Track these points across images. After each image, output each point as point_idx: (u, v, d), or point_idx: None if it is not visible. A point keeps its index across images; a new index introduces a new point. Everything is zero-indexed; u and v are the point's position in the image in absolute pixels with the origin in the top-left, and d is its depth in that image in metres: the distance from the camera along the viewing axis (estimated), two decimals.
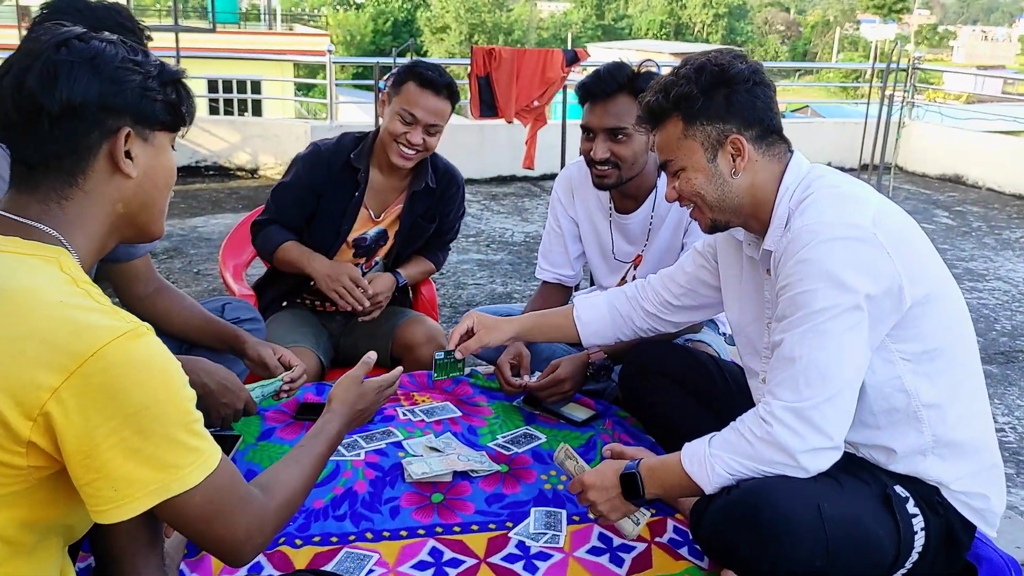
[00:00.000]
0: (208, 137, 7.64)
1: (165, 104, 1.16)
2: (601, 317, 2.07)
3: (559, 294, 2.62)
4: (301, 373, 2.08)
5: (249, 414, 1.99)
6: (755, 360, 1.79)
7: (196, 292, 4.55)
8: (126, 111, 1.12)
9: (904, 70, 8.19)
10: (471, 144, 7.91)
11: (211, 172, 7.70)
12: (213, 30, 6.26)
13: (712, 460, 1.51)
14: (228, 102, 15.22)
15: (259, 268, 2.89)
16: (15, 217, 1.09)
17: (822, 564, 1.42)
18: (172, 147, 1.23)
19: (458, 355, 2.09)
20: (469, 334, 2.08)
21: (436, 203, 2.65)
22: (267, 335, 2.52)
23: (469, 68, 6.29)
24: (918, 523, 1.52)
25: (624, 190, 2.37)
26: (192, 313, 2.09)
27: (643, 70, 2.28)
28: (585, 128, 2.30)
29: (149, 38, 1.89)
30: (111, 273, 2.09)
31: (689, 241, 2.36)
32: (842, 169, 1.79)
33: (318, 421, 1.46)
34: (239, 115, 14.50)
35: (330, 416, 1.47)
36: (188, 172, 7.62)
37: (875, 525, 1.47)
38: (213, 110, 14.48)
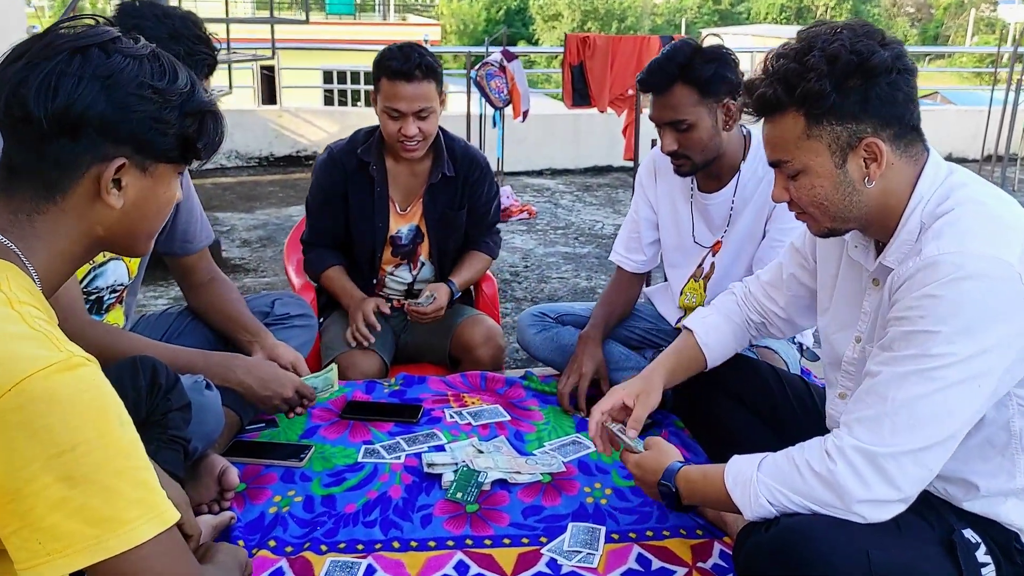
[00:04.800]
0: (309, 127, 7.83)
1: (177, 138, 1.07)
2: (724, 337, 1.87)
3: (629, 282, 2.49)
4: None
5: (311, 402, 1.97)
6: (835, 371, 1.62)
7: (281, 281, 4.64)
8: (127, 141, 1.02)
9: None
10: (566, 134, 7.82)
11: (311, 162, 7.87)
12: (306, 21, 6.38)
13: (758, 486, 1.37)
14: (342, 92, 15.57)
15: None
16: None
17: None
18: (181, 175, 1.14)
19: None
20: (623, 410, 1.79)
21: (460, 190, 2.57)
22: (329, 335, 2.54)
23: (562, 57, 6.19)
24: (988, 572, 1.34)
25: (707, 171, 2.26)
26: (229, 309, 2.08)
27: (704, 45, 2.17)
28: (653, 120, 2.21)
29: (215, 48, 1.85)
30: (169, 263, 2.12)
31: (772, 228, 2.21)
32: (963, 161, 1.55)
33: None
34: (352, 105, 14.82)
35: None
36: (289, 162, 7.83)
37: (933, 575, 1.30)
38: (328, 101, 14.85)
